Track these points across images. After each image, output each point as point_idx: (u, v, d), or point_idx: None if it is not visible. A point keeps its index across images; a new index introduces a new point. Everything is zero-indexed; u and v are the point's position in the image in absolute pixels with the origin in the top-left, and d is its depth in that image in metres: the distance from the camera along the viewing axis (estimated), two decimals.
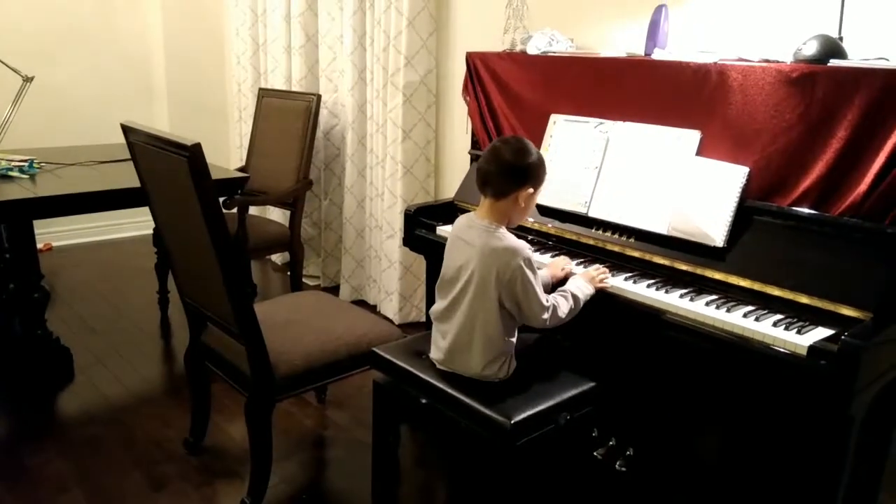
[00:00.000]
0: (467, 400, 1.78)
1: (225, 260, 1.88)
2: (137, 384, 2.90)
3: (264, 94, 3.90)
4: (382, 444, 2.08)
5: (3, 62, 3.16)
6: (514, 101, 2.59)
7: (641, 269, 2.04)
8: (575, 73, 2.39)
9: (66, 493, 2.21)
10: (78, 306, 3.67)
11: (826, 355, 1.53)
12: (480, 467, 1.92)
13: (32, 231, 2.81)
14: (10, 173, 2.86)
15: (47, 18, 4.32)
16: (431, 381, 1.88)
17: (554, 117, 2.38)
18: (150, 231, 3.47)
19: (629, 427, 2.11)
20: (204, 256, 1.94)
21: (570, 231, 2.25)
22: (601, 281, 1.95)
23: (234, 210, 3.28)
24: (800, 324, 1.66)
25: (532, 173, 1.81)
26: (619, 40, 2.55)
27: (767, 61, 1.94)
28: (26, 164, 2.95)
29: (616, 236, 2.13)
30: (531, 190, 1.81)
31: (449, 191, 3.24)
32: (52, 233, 4.47)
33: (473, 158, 2.75)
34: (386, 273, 3.56)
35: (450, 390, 1.83)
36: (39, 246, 3.26)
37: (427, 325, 2.12)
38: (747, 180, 1.89)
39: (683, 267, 1.96)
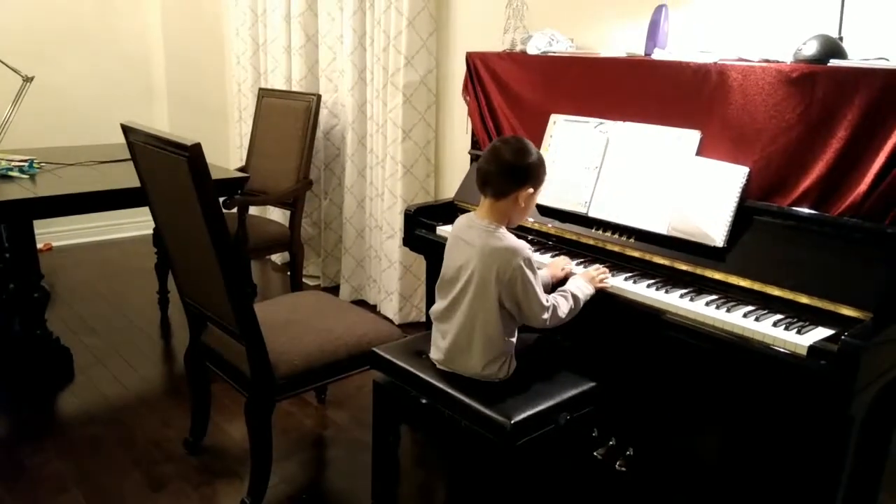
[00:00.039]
0: (467, 400, 1.78)
1: (225, 260, 1.88)
2: (137, 384, 2.90)
3: (264, 94, 3.90)
4: (382, 444, 2.07)
5: (3, 62, 3.16)
6: (515, 101, 2.59)
7: (641, 269, 2.04)
8: (575, 73, 2.39)
9: (66, 493, 2.21)
10: (78, 306, 3.67)
11: (826, 355, 1.53)
12: (480, 467, 1.92)
13: (32, 231, 2.81)
14: (10, 173, 2.86)
15: (47, 18, 4.32)
16: (431, 381, 1.88)
17: (554, 117, 2.38)
18: (150, 231, 3.47)
19: (629, 427, 2.11)
20: (204, 256, 1.94)
21: (570, 231, 2.25)
22: (601, 281, 1.95)
23: (234, 210, 3.28)
24: (800, 324, 1.66)
25: (532, 173, 1.81)
26: (619, 40, 2.55)
27: (767, 61, 1.94)
28: (26, 164, 2.95)
29: (616, 236, 2.13)
30: (531, 190, 1.81)
31: (449, 191, 3.24)
32: (52, 233, 4.47)
33: (473, 158, 2.75)
34: (386, 273, 3.56)
35: (450, 390, 1.83)
36: (39, 246, 3.26)
37: (427, 325, 2.12)
38: (747, 180, 1.89)
39: (683, 267, 1.96)
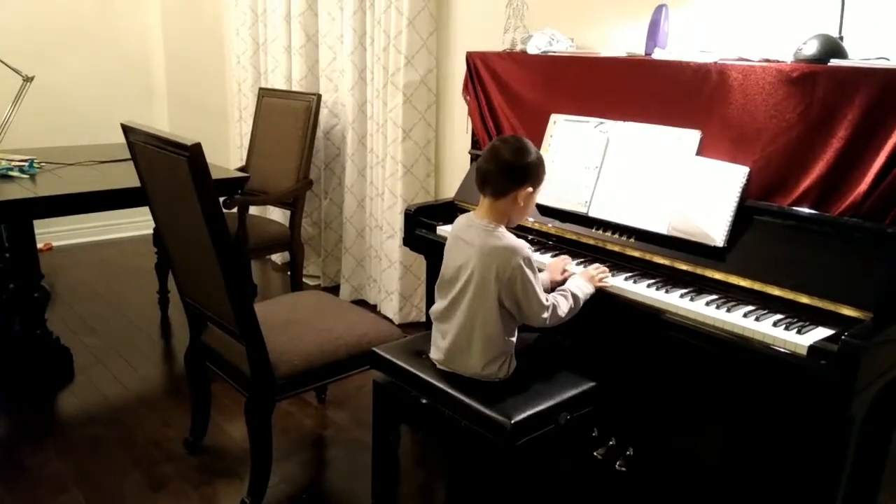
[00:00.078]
0: (467, 400, 1.78)
1: (225, 260, 1.88)
2: (137, 384, 2.90)
3: (264, 94, 3.90)
4: (382, 444, 2.07)
5: (3, 62, 3.16)
6: (515, 100, 2.59)
7: (641, 269, 2.04)
8: (575, 73, 2.39)
9: (66, 493, 2.21)
10: (78, 306, 3.67)
11: (826, 355, 1.53)
12: (480, 467, 1.91)
13: (32, 231, 2.81)
14: (10, 173, 2.86)
15: (47, 18, 4.32)
16: (431, 380, 1.87)
17: (554, 117, 2.37)
18: (150, 231, 3.47)
19: (629, 427, 2.11)
20: (204, 256, 1.94)
21: (570, 231, 2.25)
22: (601, 280, 1.95)
23: (234, 210, 3.28)
24: (800, 324, 1.66)
25: (531, 172, 1.81)
26: (619, 40, 2.54)
27: (767, 61, 1.94)
28: (26, 164, 2.95)
29: (616, 236, 2.13)
30: (530, 189, 1.81)
31: (449, 190, 3.24)
32: (52, 233, 4.47)
33: (473, 158, 2.74)
34: (386, 273, 3.56)
35: (450, 390, 1.83)
36: (39, 246, 3.26)
37: (427, 325, 2.11)
38: (747, 180, 1.89)
39: (683, 267, 1.96)
